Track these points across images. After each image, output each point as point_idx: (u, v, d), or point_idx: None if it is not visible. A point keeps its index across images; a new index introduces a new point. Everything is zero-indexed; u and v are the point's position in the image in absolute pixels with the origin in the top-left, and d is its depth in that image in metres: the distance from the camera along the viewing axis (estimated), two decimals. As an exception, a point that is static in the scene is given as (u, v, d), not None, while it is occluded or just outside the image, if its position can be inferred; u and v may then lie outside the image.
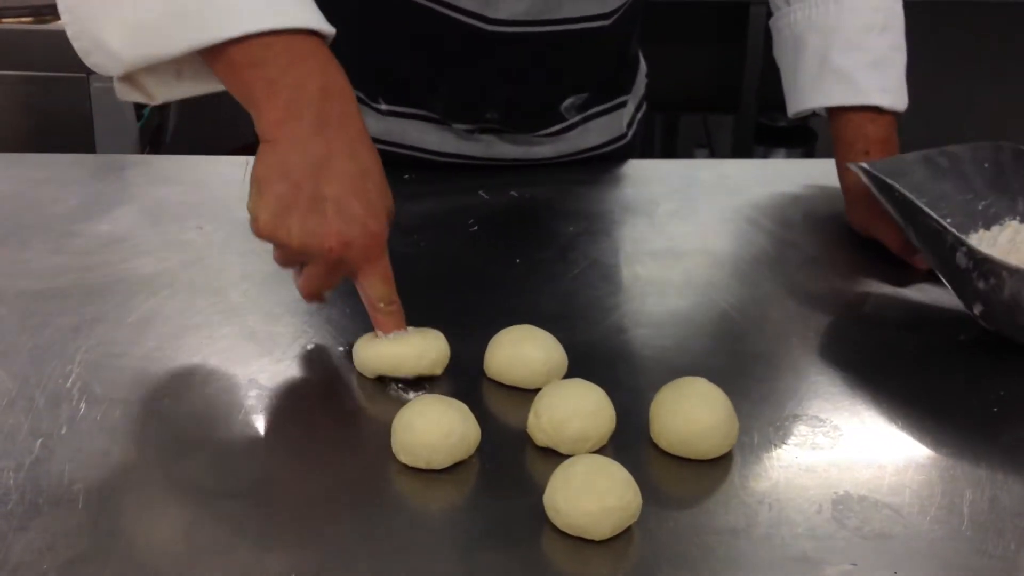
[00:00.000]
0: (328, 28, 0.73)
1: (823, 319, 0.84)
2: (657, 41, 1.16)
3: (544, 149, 1.08)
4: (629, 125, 1.13)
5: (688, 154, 2.51)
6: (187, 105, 1.91)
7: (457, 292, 0.86)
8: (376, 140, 1.05)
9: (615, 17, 1.01)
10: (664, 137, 2.55)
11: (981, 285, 0.77)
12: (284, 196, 0.70)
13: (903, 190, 0.84)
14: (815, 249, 0.95)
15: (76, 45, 0.76)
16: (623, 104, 1.11)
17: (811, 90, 1.00)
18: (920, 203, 0.82)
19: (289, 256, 0.74)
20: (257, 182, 0.71)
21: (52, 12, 1.61)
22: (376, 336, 0.75)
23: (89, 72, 1.52)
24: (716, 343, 0.81)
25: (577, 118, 1.07)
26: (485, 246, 0.94)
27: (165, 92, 0.78)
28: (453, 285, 0.87)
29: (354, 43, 1.04)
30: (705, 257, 0.93)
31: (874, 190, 0.87)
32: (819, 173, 1.07)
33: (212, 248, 0.91)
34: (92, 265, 0.87)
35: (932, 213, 0.81)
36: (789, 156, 2.31)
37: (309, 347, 0.77)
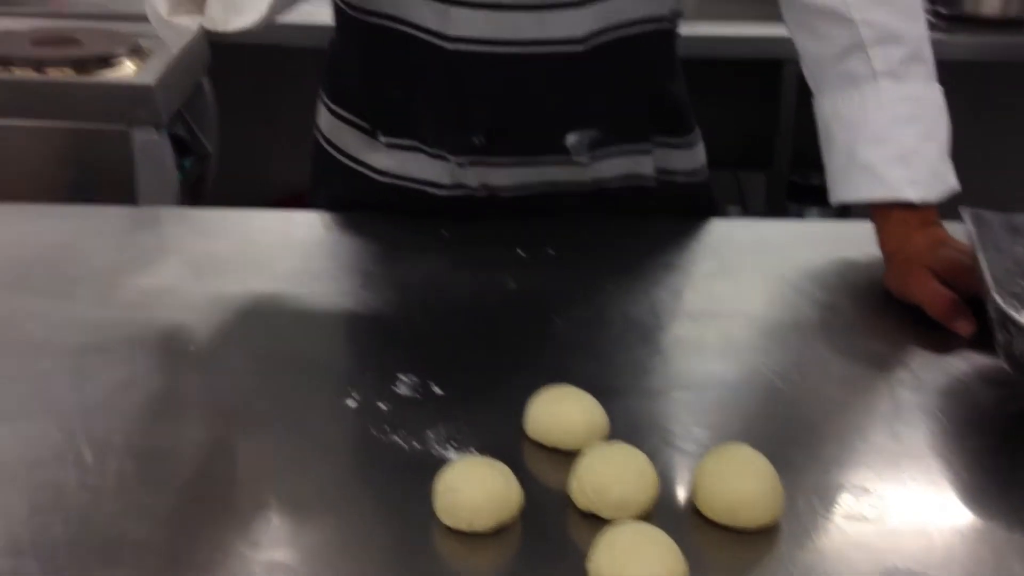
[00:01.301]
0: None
1: (865, 385, 0.84)
2: (691, 98, 1.16)
3: (541, 174, 1.07)
4: (665, 173, 1.13)
5: (720, 210, 2.51)
6: (226, 157, 1.94)
7: (495, 350, 0.87)
8: (382, 174, 1.07)
9: (590, 44, 1.01)
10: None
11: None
12: None
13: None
14: (856, 313, 0.95)
15: None
16: (646, 151, 1.11)
17: (842, 183, 1.01)
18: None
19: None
20: None
21: (96, 64, 1.64)
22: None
23: (131, 124, 1.55)
24: (758, 408, 0.81)
25: (585, 158, 1.07)
26: (523, 304, 0.94)
27: None
28: (491, 343, 0.88)
29: (352, 75, 1.07)
30: (744, 319, 0.93)
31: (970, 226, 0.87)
32: (856, 235, 1.07)
33: (255, 302, 0.92)
34: (138, 319, 0.88)
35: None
36: (823, 214, 2.30)
37: (352, 404, 0.78)
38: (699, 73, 1.20)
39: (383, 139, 1.08)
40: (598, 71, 1.04)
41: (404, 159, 1.08)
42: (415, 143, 1.07)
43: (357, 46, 1.08)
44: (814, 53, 1.03)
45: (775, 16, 1.08)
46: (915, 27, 0.99)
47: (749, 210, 2.48)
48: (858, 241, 1.07)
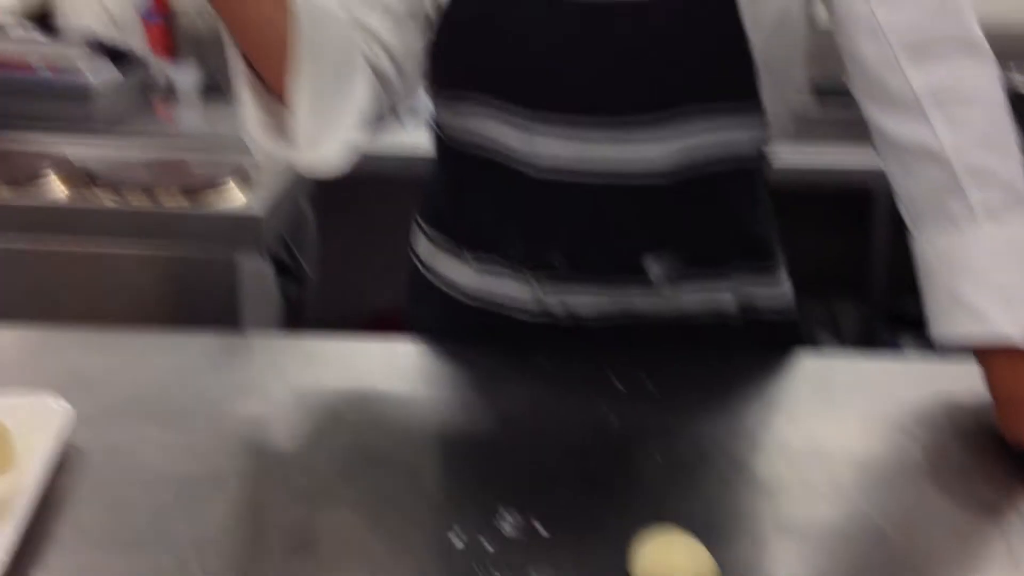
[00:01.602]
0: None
1: (977, 533, 0.82)
2: (782, 228, 1.17)
3: (622, 303, 1.09)
4: (747, 311, 1.13)
5: (812, 339, 2.49)
6: (324, 279, 1.99)
7: (597, 486, 0.87)
8: (473, 298, 1.10)
9: (676, 178, 1.03)
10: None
11: None
12: None
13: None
14: (965, 456, 0.93)
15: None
16: (726, 281, 1.11)
17: (944, 321, 0.99)
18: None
19: None
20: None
21: (205, 190, 1.71)
22: None
23: (237, 250, 1.61)
24: (867, 556, 0.79)
25: (667, 287, 1.09)
26: (623, 439, 0.94)
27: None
28: (592, 479, 0.88)
29: (447, 199, 1.11)
30: (849, 459, 0.92)
31: None
32: (960, 374, 1.06)
33: (359, 431, 0.94)
34: (248, 448, 0.90)
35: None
36: (918, 343, 2.27)
37: (454, 539, 0.78)
38: (791, 202, 1.22)
39: (472, 260, 1.11)
40: (680, 203, 1.06)
41: (492, 282, 1.11)
42: (502, 266, 1.11)
43: (453, 171, 1.13)
44: (910, 190, 1.03)
45: (867, 147, 1.08)
46: (1011, 164, 0.99)
47: (843, 339, 2.46)
48: (962, 380, 1.05)
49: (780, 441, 0.96)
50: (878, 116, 1.02)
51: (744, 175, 1.09)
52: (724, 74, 1.02)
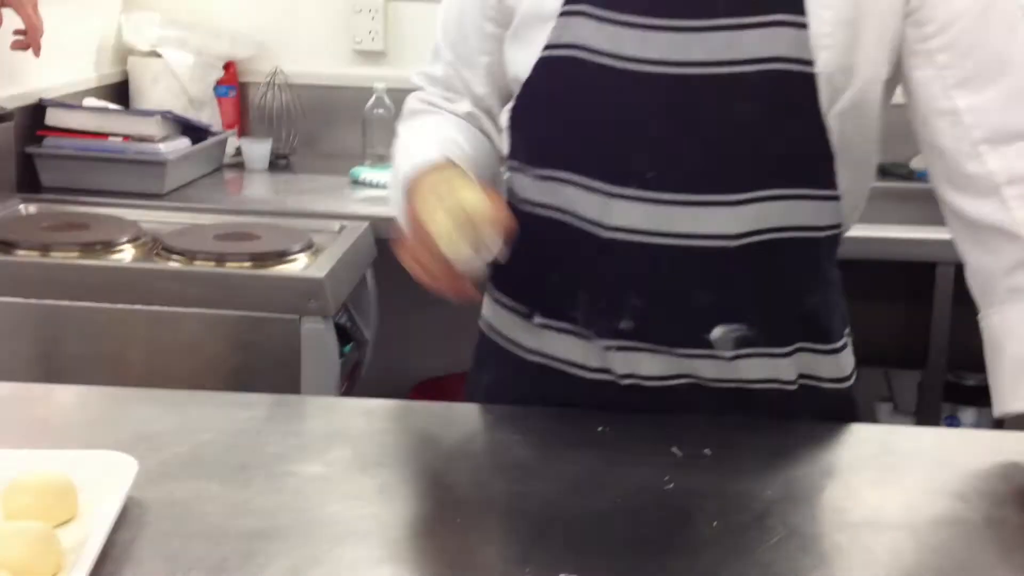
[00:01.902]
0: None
1: (1042, 606, 0.80)
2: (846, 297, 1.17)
3: (684, 368, 1.09)
4: (806, 378, 1.12)
5: (870, 408, 2.46)
6: (379, 342, 2.02)
7: (653, 553, 0.86)
8: (531, 352, 1.16)
9: (744, 241, 1.03)
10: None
11: None
12: None
13: None
14: (1027, 527, 0.92)
15: None
16: (788, 355, 1.11)
17: (1012, 394, 0.99)
18: None
19: None
20: None
21: (273, 259, 1.75)
22: None
23: (301, 314, 1.65)
24: (928, 626, 0.78)
25: (730, 354, 1.08)
26: (679, 506, 0.94)
27: None
28: (649, 545, 0.88)
29: (517, 262, 1.13)
30: (909, 531, 0.91)
31: None
32: (1020, 445, 1.04)
33: (416, 494, 0.95)
34: (308, 506, 0.91)
35: None
36: (978, 415, 2.23)
37: (511, 603, 0.78)
38: (853, 272, 1.21)
39: (538, 320, 1.13)
40: (748, 269, 1.06)
41: (554, 339, 1.13)
42: (568, 325, 1.12)
43: (523, 235, 1.13)
44: (982, 267, 1.03)
45: (930, 220, 1.09)
46: None
47: (899, 408, 2.43)
48: (1022, 448, 1.04)
49: (836, 508, 0.95)
50: (953, 197, 1.03)
51: (813, 244, 1.08)
52: (803, 161, 1.04)
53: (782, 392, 1.12)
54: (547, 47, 1.05)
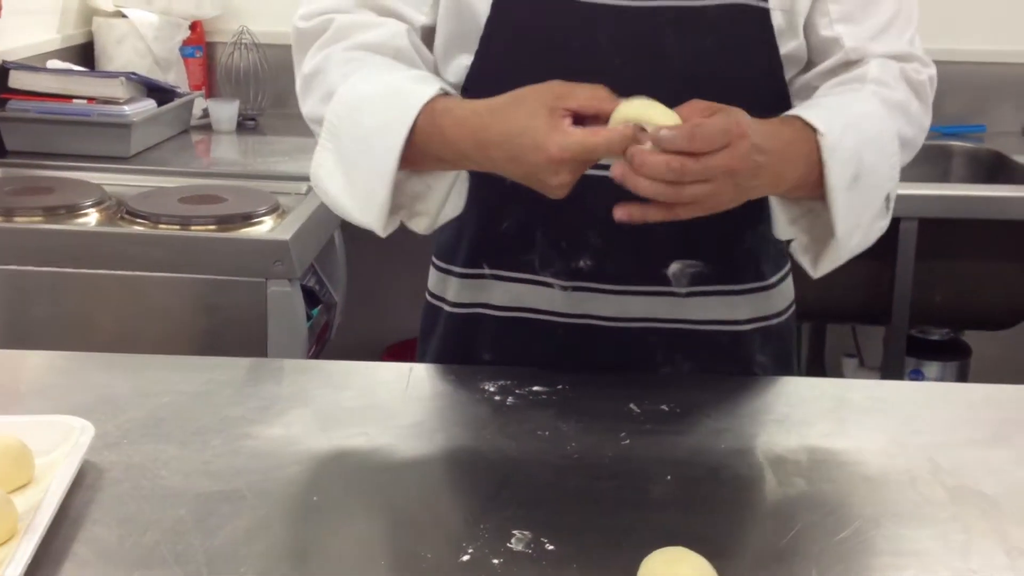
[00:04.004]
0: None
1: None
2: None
3: (640, 308, 1.11)
4: (754, 322, 1.15)
5: (836, 363, 2.49)
6: (350, 305, 2.02)
7: (609, 507, 0.88)
8: (483, 306, 1.16)
9: None
10: (812, 345, 2.54)
11: None
12: None
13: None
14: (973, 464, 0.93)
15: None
16: (740, 292, 1.14)
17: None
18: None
19: None
20: None
21: (238, 222, 1.75)
22: None
23: (267, 276, 1.64)
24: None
25: (684, 290, 1.11)
26: (637, 461, 0.95)
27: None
28: (605, 499, 0.89)
29: (466, 220, 1.13)
30: (860, 479, 0.92)
31: None
32: (978, 399, 1.06)
33: (375, 454, 0.95)
34: (265, 468, 0.92)
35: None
36: (942, 369, 2.26)
37: (465, 558, 0.79)
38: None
39: (488, 270, 1.14)
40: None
41: (510, 289, 1.14)
42: (519, 274, 1.13)
43: (472, 187, 1.13)
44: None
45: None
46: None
47: (865, 364, 2.46)
48: (972, 400, 1.05)
49: (788, 460, 0.96)
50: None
51: None
52: (762, 94, 1.06)
53: (733, 335, 1.14)
54: None
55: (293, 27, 1.10)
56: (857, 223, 1.01)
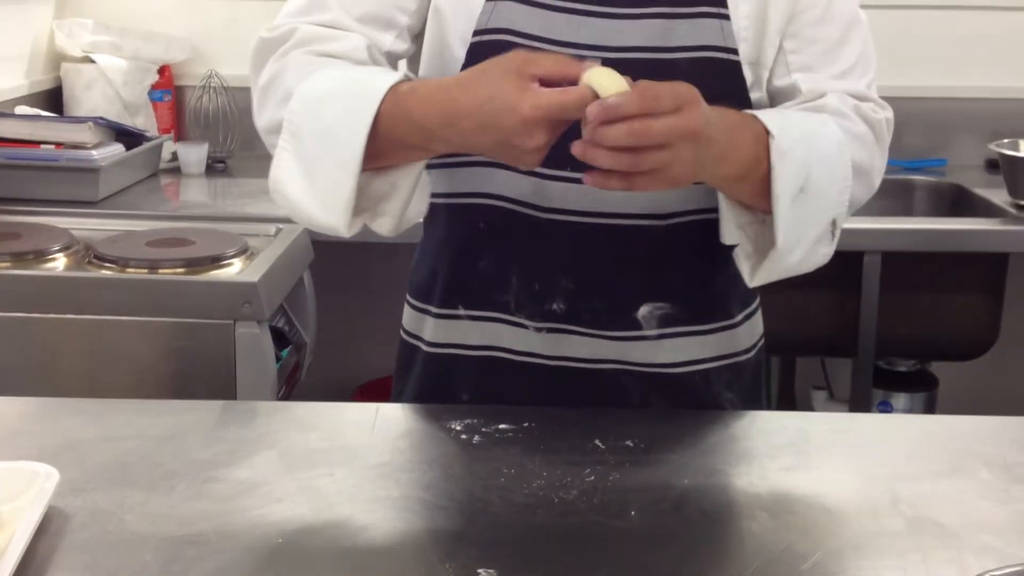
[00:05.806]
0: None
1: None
2: (772, 286, 1.20)
3: (613, 352, 1.12)
4: (722, 359, 1.17)
5: (806, 396, 2.51)
6: (320, 345, 2.02)
7: (575, 544, 0.88)
8: (455, 346, 1.17)
9: (672, 221, 1.08)
10: (782, 378, 2.56)
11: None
12: None
13: None
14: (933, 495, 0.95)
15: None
16: (708, 331, 1.15)
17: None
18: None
19: None
20: None
21: (206, 263, 1.75)
22: None
23: (236, 318, 1.65)
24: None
25: (655, 332, 1.12)
26: (601, 496, 0.96)
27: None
28: (566, 538, 0.89)
29: (439, 261, 1.14)
30: (821, 511, 0.93)
31: None
32: (938, 430, 1.07)
33: (342, 494, 0.96)
34: (231, 511, 0.92)
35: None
36: (910, 400, 2.29)
37: (430, 600, 0.80)
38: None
39: (463, 311, 1.15)
40: (673, 248, 1.11)
41: (482, 328, 1.15)
42: (494, 313, 1.14)
43: (446, 228, 1.15)
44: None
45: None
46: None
47: (835, 396, 2.48)
48: (933, 432, 1.07)
49: (751, 493, 0.97)
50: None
51: None
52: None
53: (703, 373, 1.15)
54: (476, 32, 1.06)
55: (256, 40, 1.09)
56: (799, 238, 1.02)
